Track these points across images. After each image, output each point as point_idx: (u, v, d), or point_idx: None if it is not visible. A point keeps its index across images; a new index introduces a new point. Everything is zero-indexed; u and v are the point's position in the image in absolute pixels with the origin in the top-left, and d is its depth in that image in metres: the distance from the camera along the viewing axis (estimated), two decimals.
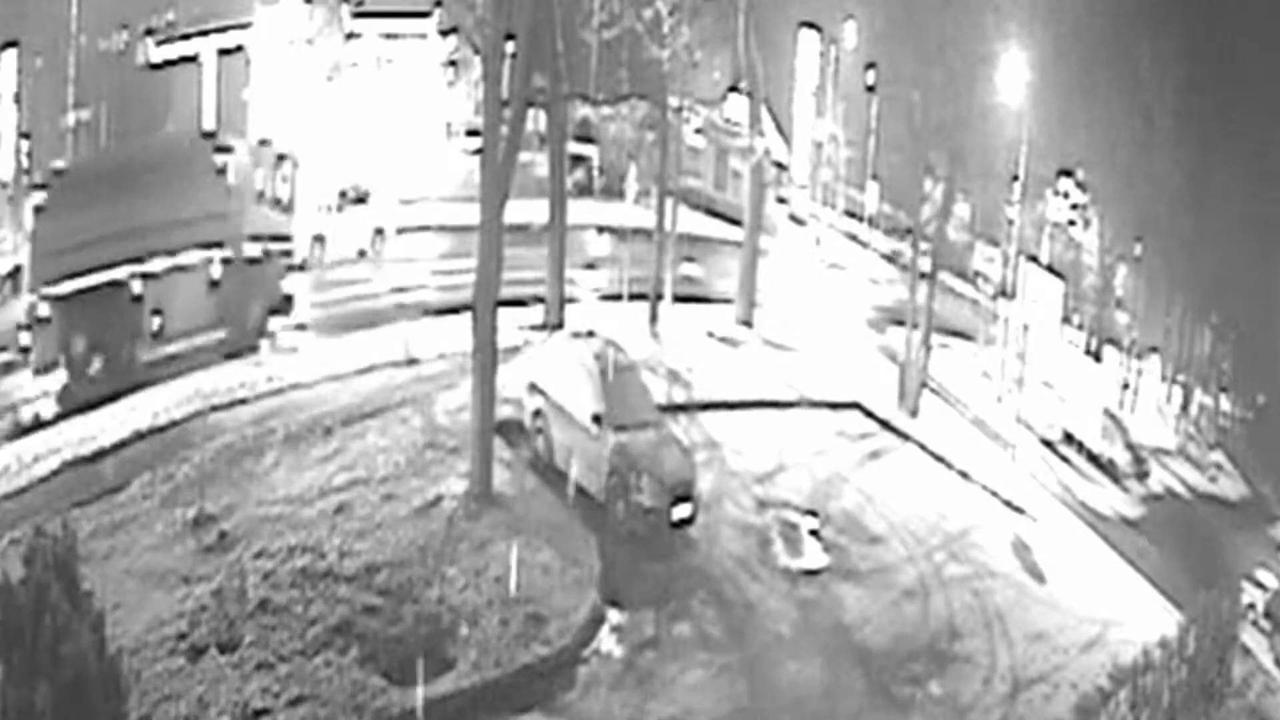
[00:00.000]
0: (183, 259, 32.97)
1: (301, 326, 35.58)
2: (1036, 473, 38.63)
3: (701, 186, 49.94)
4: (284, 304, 35.19)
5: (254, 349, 34.16)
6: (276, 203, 34.92)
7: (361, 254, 39.61)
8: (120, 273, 32.13)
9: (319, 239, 38.79)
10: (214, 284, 33.65)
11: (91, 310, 31.83)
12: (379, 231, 40.20)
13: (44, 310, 31.40)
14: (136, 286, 32.40)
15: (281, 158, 35.23)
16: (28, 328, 31.76)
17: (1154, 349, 50.27)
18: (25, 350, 32.19)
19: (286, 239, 35.40)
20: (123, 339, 32.57)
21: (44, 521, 22.62)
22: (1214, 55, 47.14)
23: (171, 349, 33.07)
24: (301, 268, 37.79)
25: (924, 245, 39.37)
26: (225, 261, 33.77)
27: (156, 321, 32.64)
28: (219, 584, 25.51)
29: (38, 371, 31.92)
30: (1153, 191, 47.68)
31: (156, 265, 32.50)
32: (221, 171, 33.99)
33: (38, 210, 31.89)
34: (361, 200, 39.90)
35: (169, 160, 33.79)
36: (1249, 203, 47.57)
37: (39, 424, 31.27)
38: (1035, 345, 37.08)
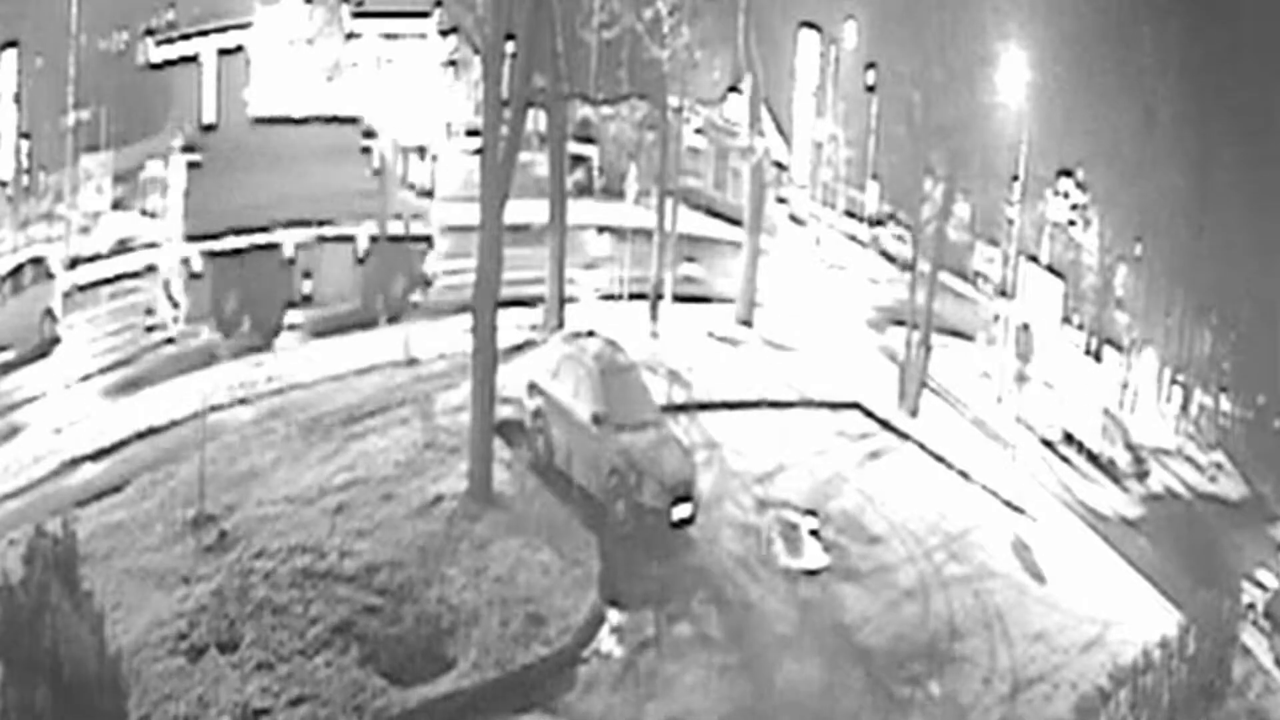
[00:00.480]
0: (332, 230, 34.59)
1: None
2: (1036, 473, 38.61)
3: (701, 186, 49.95)
4: (424, 284, 36.49)
5: (395, 320, 35.28)
6: (415, 188, 36.42)
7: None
8: (273, 236, 33.65)
9: None
10: (361, 260, 35.27)
11: (244, 269, 33.31)
12: (185, 262, 39.81)
13: (198, 265, 32.96)
14: (289, 250, 33.86)
15: (422, 147, 36.58)
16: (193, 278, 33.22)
17: (1147, 341, 50.26)
18: (175, 304, 33.64)
19: (426, 222, 36.55)
20: (273, 300, 34.04)
21: (44, 521, 22.61)
22: (1215, 55, 47.11)
23: (317, 313, 34.90)
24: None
25: (910, 240, 39.36)
26: (372, 239, 35.29)
27: (307, 285, 34.32)
28: (219, 584, 25.52)
29: (188, 323, 33.44)
30: (1153, 191, 47.64)
31: (307, 233, 33.99)
32: (366, 152, 35.61)
33: (191, 167, 33.21)
34: None
35: (315, 140, 34.99)
36: (1249, 203, 47.54)
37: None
38: (1035, 345, 37.04)
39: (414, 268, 36.41)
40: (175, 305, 33.66)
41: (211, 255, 33.38)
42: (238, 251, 33.37)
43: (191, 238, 33.38)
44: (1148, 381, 49.24)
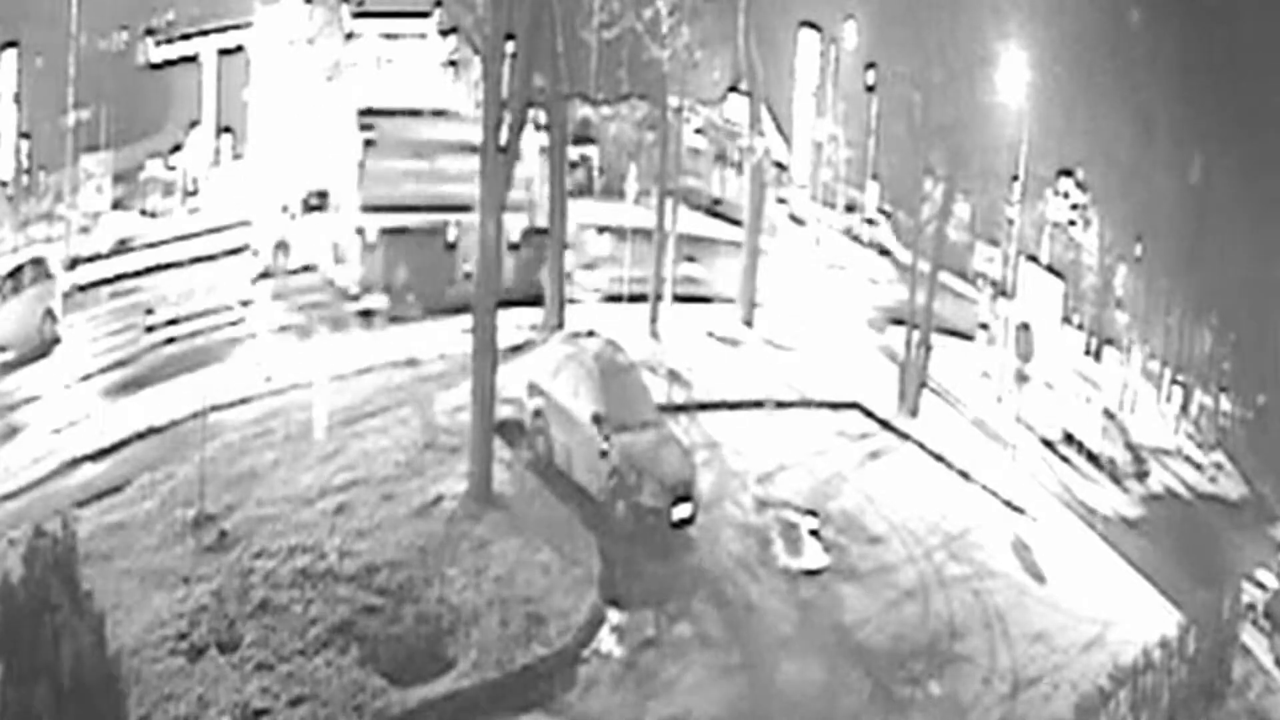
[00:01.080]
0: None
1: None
2: (1036, 473, 38.61)
3: (702, 186, 49.96)
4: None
5: (537, 303, 36.41)
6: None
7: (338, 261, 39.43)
8: (438, 218, 36.06)
9: (281, 245, 38.68)
10: (513, 246, 36.77)
11: (411, 245, 35.65)
12: (360, 231, 40.00)
13: (372, 236, 35.64)
14: (451, 234, 36.24)
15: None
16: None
17: (1136, 340, 50.31)
18: (340, 260, 36.36)
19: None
20: (436, 276, 36.22)
21: (44, 521, 22.60)
22: (1214, 55, 47.13)
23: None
24: (265, 275, 38.06)
25: (885, 225, 39.50)
26: (524, 230, 37.21)
27: (466, 266, 35.81)
28: (219, 584, 25.53)
29: (362, 289, 36.02)
30: (1153, 191, 47.67)
31: (467, 218, 34.98)
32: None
33: (367, 144, 35.65)
34: (322, 206, 39.76)
35: (474, 136, 35.68)
36: (1249, 203, 47.56)
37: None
38: (1035, 345, 37.04)
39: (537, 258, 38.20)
40: (339, 262, 36.47)
41: (383, 230, 36.01)
42: (404, 229, 35.62)
43: (367, 208, 36.14)
44: (1134, 376, 49.20)
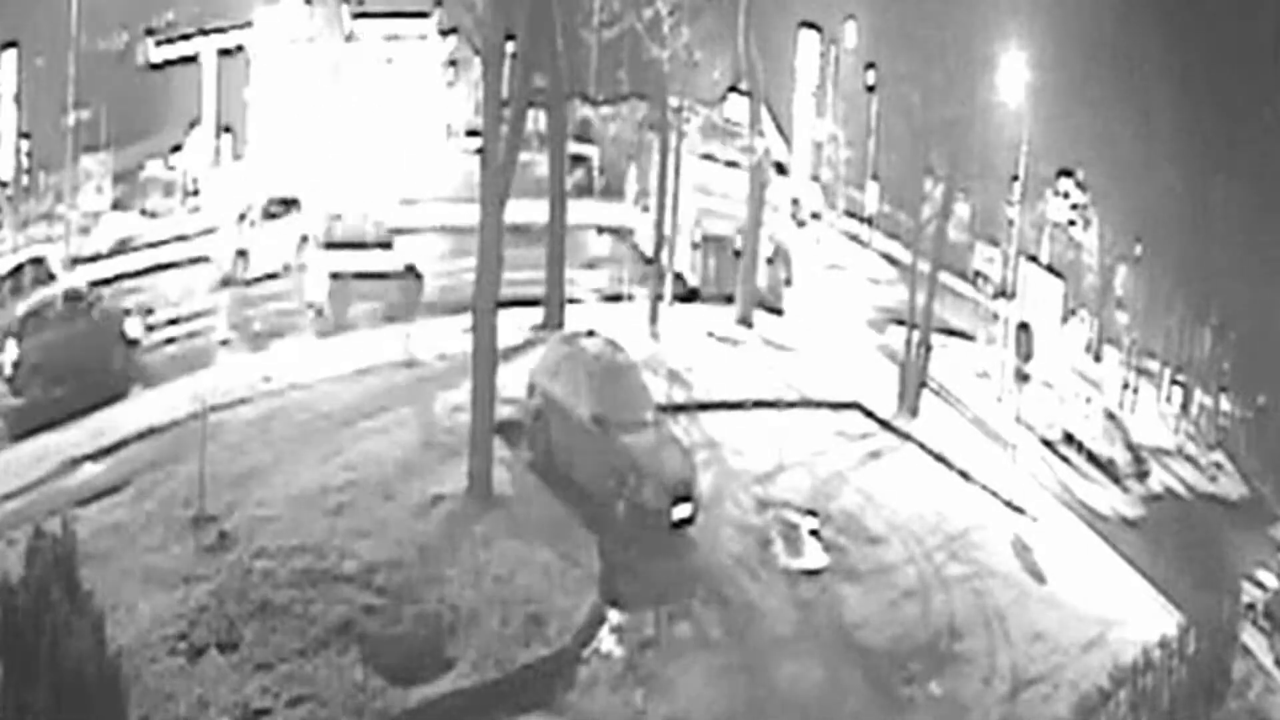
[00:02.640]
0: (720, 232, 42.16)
1: (225, 342, 35.65)
2: (1036, 473, 38.61)
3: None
4: (786, 284, 43.99)
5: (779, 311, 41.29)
6: (797, 220, 43.91)
7: (286, 268, 39.23)
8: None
9: (241, 253, 38.64)
10: (737, 253, 40.87)
11: (718, 250, 41.53)
12: (304, 240, 39.82)
13: (697, 236, 41.99)
14: (738, 243, 40.95)
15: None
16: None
17: (1095, 312, 50.40)
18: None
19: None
20: (729, 275, 41.28)
21: (44, 521, 22.59)
22: (1214, 54, 47.13)
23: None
24: (226, 283, 38.07)
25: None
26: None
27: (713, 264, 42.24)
28: (219, 584, 25.53)
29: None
30: (1153, 191, 47.65)
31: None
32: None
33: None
34: (286, 212, 39.69)
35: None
36: (1249, 202, 47.56)
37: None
38: (1035, 345, 37.04)
39: (780, 272, 43.53)
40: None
41: (704, 235, 42.21)
42: (716, 237, 41.84)
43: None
44: (1134, 376, 49.18)
